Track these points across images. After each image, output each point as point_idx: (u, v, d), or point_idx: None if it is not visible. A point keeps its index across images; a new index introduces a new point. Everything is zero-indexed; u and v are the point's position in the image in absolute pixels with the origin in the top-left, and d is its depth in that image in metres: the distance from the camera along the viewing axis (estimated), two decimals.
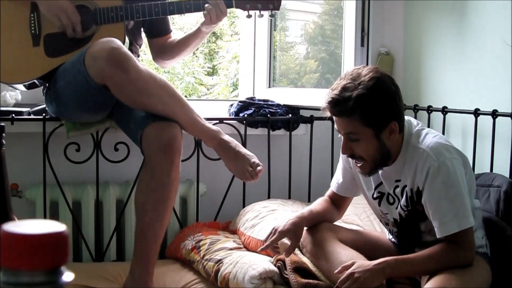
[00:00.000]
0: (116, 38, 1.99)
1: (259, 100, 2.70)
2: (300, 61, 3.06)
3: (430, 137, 1.78)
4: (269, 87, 2.85)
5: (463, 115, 2.41)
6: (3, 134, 0.94)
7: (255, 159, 2.04)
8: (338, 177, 2.03)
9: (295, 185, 2.66)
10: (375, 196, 1.89)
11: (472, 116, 2.32)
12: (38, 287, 0.52)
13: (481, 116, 2.30)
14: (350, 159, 1.88)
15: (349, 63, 2.48)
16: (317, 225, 1.93)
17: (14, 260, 0.51)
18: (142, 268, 1.96)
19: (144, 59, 3.45)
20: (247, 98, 2.72)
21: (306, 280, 1.86)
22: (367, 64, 2.44)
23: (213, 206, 2.57)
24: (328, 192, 2.08)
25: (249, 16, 2.27)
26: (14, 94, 2.40)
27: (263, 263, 1.97)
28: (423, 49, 2.71)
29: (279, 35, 3.00)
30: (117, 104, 2.07)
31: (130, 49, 2.28)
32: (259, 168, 2.02)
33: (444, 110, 2.44)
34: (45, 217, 2.32)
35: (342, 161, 1.99)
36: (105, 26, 2.15)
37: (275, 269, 1.95)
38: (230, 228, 2.45)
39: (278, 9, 2.27)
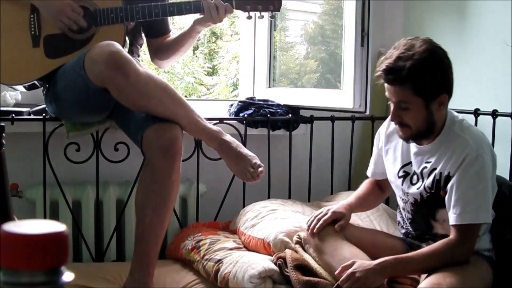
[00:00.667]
0: (116, 39, 1.99)
1: (259, 100, 2.70)
2: (300, 61, 3.06)
3: (474, 129, 1.84)
4: (269, 87, 2.85)
5: (463, 115, 2.40)
6: (3, 134, 0.94)
7: (256, 160, 2.04)
8: (371, 164, 2.11)
9: (295, 185, 2.66)
10: (400, 174, 1.92)
11: (472, 116, 2.32)
12: (38, 287, 0.52)
13: (481, 116, 2.30)
14: (382, 140, 1.98)
15: (349, 63, 2.48)
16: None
17: (14, 260, 0.51)
18: (143, 269, 1.96)
19: (144, 59, 3.45)
20: (247, 98, 2.72)
21: (307, 278, 1.86)
22: (367, 64, 2.44)
23: (213, 206, 2.57)
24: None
25: (249, 17, 2.27)
26: (14, 94, 2.40)
27: (263, 262, 1.97)
28: None
29: (279, 35, 3.00)
30: (117, 104, 2.07)
31: (130, 49, 2.28)
32: (260, 169, 2.02)
33: None
34: (45, 217, 2.32)
35: (375, 148, 2.07)
36: (105, 27, 2.15)
37: (275, 267, 1.95)
38: (230, 228, 2.45)
39: (279, 10, 2.27)
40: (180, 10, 2.19)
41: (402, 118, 1.79)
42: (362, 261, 1.72)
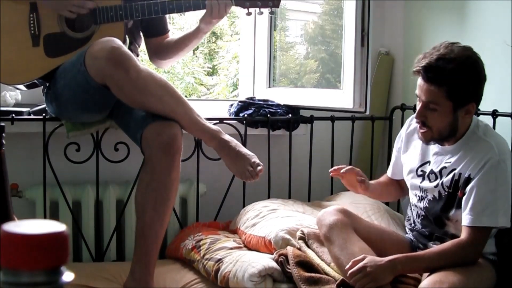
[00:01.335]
0: (116, 38, 1.99)
1: (259, 100, 2.70)
2: (300, 61, 3.06)
3: (498, 135, 1.86)
4: (269, 87, 2.85)
5: None
6: (3, 134, 0.94)
7: (255, 159, 2.04)
8: (391, 164, 2.15)
9: (295, 185, 2.66)
10: (418, 173, 1.94)
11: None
12: (38, 287, 0.52)
13: (481, 116, 2.29)
14: (402, 140, 2.02)
15: (349, 63, 2.48)
16: (334, 208, 1.96)
17: (14, 260, 0.51)
18: (143, 268, 1.96)
19: (144, 59, 3.45)
20: (247, 98, 2.72)
21: (309, 274, 1.87)
22: (367, 64, 2.44)
23: (213, 206, 2.57)
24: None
25: (248, 13, 2.27)
26: (14, 94, 2.40)
27: (263, 261, 1.97)
28: (423, 49, 2.70)
29: (279, 35, 3.00)
30: (117, 104, 2.07)
31: (130, 48, 2.28)
32: (259, 168, 2.02)
33: None
34: (45, 217, 2.32)
35: (394, 150, 2.12)
36: (105, 25, 2.15)
37: (275, 265, 1.95)
38: (230, 228, 2.45)
39: (278, 7, 2.27)
40: (180, 7, 2.19)
41: (427, 118, 1.80)
42: (372, 257, 1.74)
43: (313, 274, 1.87)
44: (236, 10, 2.28)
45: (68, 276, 0.54)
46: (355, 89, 2.46)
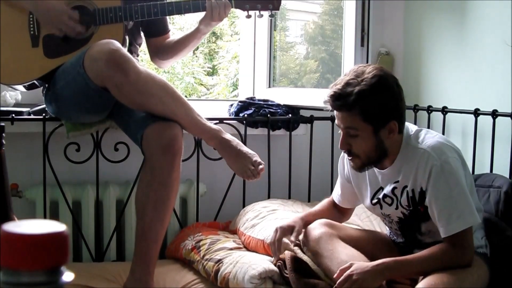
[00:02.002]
0: (115, 39, 1.99)
1: (259, 100, 2.70)
2: (300, 61, 3.06)
3: (430, 136, 1.79)
4: (269, 87, 2.85)
5: (463, 115, 2.41)
6: (3, 134, 0.94)
7: (256, 158, 2.04)
8: (337, 191, 2.05)
9: (295, 185, 2.66)
10: (374, 202, 1.90)
11: (472, 116, 2.32)
12: (38, 287, 0.52)
13: (481, 116, 2.30)
14: (349, 172, 1.93)
15: (349, 63, 2.48)
16: (319, 222, 1.93)
17: (14, 260, 0.51)
18: (143, 268, 1.96)
19: (144, 59, 3.45)
20: (247, 98, 2.72)
21: (306, 280, 1.86)
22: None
23: (213, 206, 2.57)
24: (331, 199, 2.10)
25: (248, 16, 2.27)
26: (14, 94, 2.40)
27: (263, 263, 1.97)
28: (423, 49, 2.71)
29: (279, 35, 3.00)
30: (117, 104, 2.07)
31: (129, 49, 2.28)
32: (260, 166, 2.03)
33: (444, 110, 2.44)
34: (45, 217, 2.32)
35: (340, 176, 2.01)
36: (104, 26, 2.15)
37: (275, 268, 1.95)
38: (230, 228, 2.45)
39: (278, 9, 2.27)
40: (179, 9, 2.19)
41: (351, 146, 1.76)
42: (360, 263, 1.71)
43: (310, 280, 1.87)
44: (236, 10, 2.28)
45: (68, 276, 0.54)
46: None
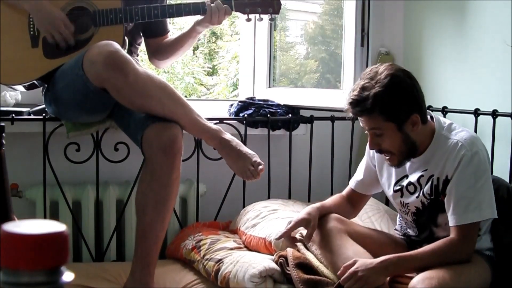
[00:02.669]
0: (115, 40, 1.99)
1: (259, 100, 2.70)
2: (300, 61, 3.06)
3: (463, 130, 1.85)
4: (269, 87, 2.85)
5: (463, 115, 2.41)
6: (3, 134, 0.94)
7: (256, 158, 2.04)
8: (359, 175, 2.07)
9: (295, 185, 2.66)
10: (396, 189, 1.92)
11: (472, 116, 2.32)
12: (38, 287, 0.52)
13: (481, 116, 2.30)
14: (375, 156, 1.96)
15: (349, 63, 2.48)
16: (327, 216, 1.94)
17: (14, 260, 0.51)
18: (143, 268, 1.96)
19: (144, 59, 3.45)
20: (247, 98, 2.72)
21: (309, 276, 1.87)
22: (367, 64, 2.44)
23: (213, 206, 2.57)
24: (346, 190, 2.10)
25: (248, 19, 2.27)
26: (14, 94, 2.40)
27: (263, 262, 1.97)
28: (423, 49, 2.71)
29: (279, 35, 3.00)
30: (117, 104, 2.07)
31: (129, 49, 2.28)
32: (260, 167, 2.03)
33: (444, 110, 2.45)
34: (45, 217, 2.32)
35: (366, 158, 2.04)
36: (104, 27, 2.14)
37: (276, 266, 1.95)
38: (230, 228, 2.45)
39: (278, 13, 2.27)
40: (180, 11, 2.19)
41: (380, 145, 1.81)
42: (364, 260, 1.73)
43: (312, 276, 1.87)
44: (237, 13, 2.28)
45: (68, 276, 0.54)
46: None
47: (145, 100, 1.93)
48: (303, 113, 2.69)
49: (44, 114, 2.26)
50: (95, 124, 2.26)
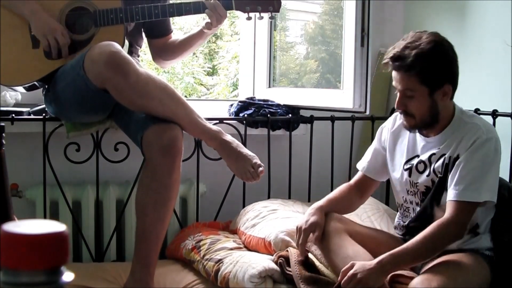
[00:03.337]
0: (116, 40, 1.99)
1: (259, 100, 2.70)
2: (300, 61, 3.06)
3: (484, 119, 1.89)
4: (269, 87, 2.85)
5: None
6: (3, 134, 0.94)
7: (256, 160, 2.04)
8: (367, 158, 2.09)
9: (295, 185, 2.66)
10: (406, 167, 1.93)
11: None
12: (38, 287, 0.52)
13: (481, 116, 2.30)
14: (388, 138, 1.99)
15: (349, 63, 2.48)
16: (328, 215, 1.95)
17: (14, 260, 0.51)
18: (143, 269, 1.96)
19: (144, 59, 3.45)
20: (247, 98, 2.72)
21: (310, 274, 1.87)
22: (367, 64, 2.44)
23: (213, 206, 2.57)
24: (355, 178, 2.12)
25: (249, 18, 2.27)
26: (14, 94, 2.40)
27: (263, 262, 1.97)
28: None
29: (279, 35, 3.00)
30: (117, 105, 2.07)
31: (130, 50, 2.28)
32: (260, 168, 2.03)
33: None
34: (45, 217, 2.32)
35: (375, 144, 2.07)
36: (105, 28, 2.14)
37: (275, 267, 1.95)
38: (230, 228, 2.45)
39: (278, 11, 2.27)
40: (180, 11, 2.19)
41: (407, 106, 1.83)
42: (362, 262, 1.72)
43: (313, 274, 1.87)
44: (237, 12, 2.28)
45: (68, 276, 0.54)
46: (355, 89, 2.46)
47: (145, 101, 1.93)
48: (303, 113, 2.69)
49: (44, 114, 2.26)
50: (95, 124, 2.26)
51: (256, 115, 2.58)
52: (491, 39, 2.33)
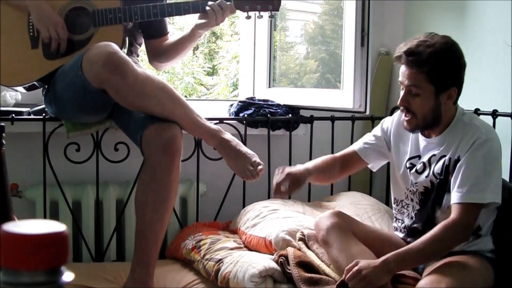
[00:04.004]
0: (115, 40, 1.99)
1: (259, 100, 2.70)
2: (300, 61, 3.06)
3: (484, 121, 1.90)
4: (269, 87, 2.85)
5: None
6: (3, 134, 0.94)
7: (256, 158, 2.04)
8: (366, 140, 2.10)
9: None
10: (407, 166, 1.94)
11: None
12: (38, 287, 0.52)
13: (481, 116, 2.29)
14: (392, 134, 2.00)
15: (349, 63, 2.48)
16: (331, 212, 1.96)
17: (14, 260, 0.51)
18: (143, 268, 1.96)
19: (144, 59, 3.44)
20: (247, 98, 2.72)
21: (310, 275, 1.87)
22: (367, 64, 2.44)
23: (213, 206, 2.57)
24: (344, 151, 2.13)
25: (248, 17, 2.27)
26: (14, 94, 2.40)
27: (263, 261, 1.97)
28: None
29: (279, 35, 3.00)
30: (116, 104, 2.07)
31: (129, 49, 2.28)
32: (260, 167, 2.03)
33: None
34: (45, 217, 2.32)
35: (380, 131, 2.06)
36: (104, 27, 2.14)
37: (276, 266, 1.95)
38: (230, 228, 2.45)
39: (278, 10, 2.27)
40: (179, 10, 2.19)
41: (410, 104, 1.83)
42: (366, 260, 1.73)
43: (313, 275, 1.87)
44: (236, 11, 2.27)
45: (68, 276, 0.54)
46: (355, 89, 2.46)
47: (144, 101, 1.93)
48: (303, 113, 2.69)
49: (44, 114, 2.26)
50: (95, 124, 2.26)
51: (256, 115, 2.58)
52: (491, 39, 2.33)
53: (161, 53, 2.38)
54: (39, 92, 2.29)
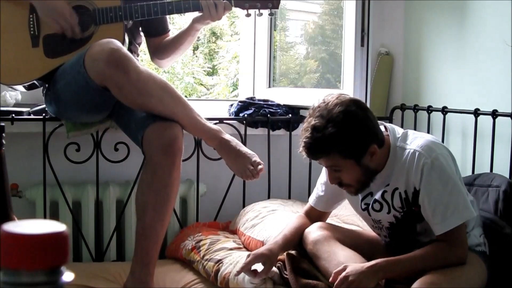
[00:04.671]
0: (116, 38, 1.99)
1: (259, 100, 2.70)
2: (300, 61, 3.06)
3: (417, 137, 1.80)
4: (269, 87, 2.85)
5: (463, 115, 2.41)
6: (3, 134, 0.94)
7: (256, 158, 2.04)
8: (318, 191, 2.03)
9: (295, 185, 2.66)
10: (363, 207, 1.90)
11: (472, 116, 2.32)
12: (38, 287, 0.52)
13: (481, 116, 2.30)
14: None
15: (349, 63, 2.48)
16: (315, 225, 1.94)
17: (14, 260, 0.51)
18: (143, 268, 1.96)
19: (144, 59, 3.45)
20: (247, 98, 2.72)
21: (306, 281, 1.86)
22: (367, 64, 2.44)
23: (213, 206, 2.57)
24: (305, 208, 2.08)
25: (248, 15, 2.27)
26: (14, 94, 2.40)
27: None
28: (423, 49, 2.71)
29: (279, 35, 3.00)
30: (117, 104, 2.07)
31: (129, 48, 2.28)
32: (260, 167, 2.03)
33: (444, 110, 2.44)
34: (45, 217, 2.32)
35: (325, 176, 1.94)
36: (104, 26, 2.14)
37: (275, 269, 1.95)
38: (230, 228, 2.45)
39: (277, 8, 2.27)
40: (179, 8, 2.19)
41: (340, 178, 1.79)
42: (354, 265, 1.72)
43: (309, 281, 1.87)
44: (236, 10, 2.28)
45: (68, 276, 0.54)
46: (355, 89, 2.46)
47: (146, 99, 1.93)
48: (303, 113, 2.69)
49: (44, 114, 2.26)
50: (95, 124, 2.26)
51: (256, 115, 2.58)
52: (491, 39, 2.33)
53: (161, 50, 2.38)
54: (39, 92, 2.29)
